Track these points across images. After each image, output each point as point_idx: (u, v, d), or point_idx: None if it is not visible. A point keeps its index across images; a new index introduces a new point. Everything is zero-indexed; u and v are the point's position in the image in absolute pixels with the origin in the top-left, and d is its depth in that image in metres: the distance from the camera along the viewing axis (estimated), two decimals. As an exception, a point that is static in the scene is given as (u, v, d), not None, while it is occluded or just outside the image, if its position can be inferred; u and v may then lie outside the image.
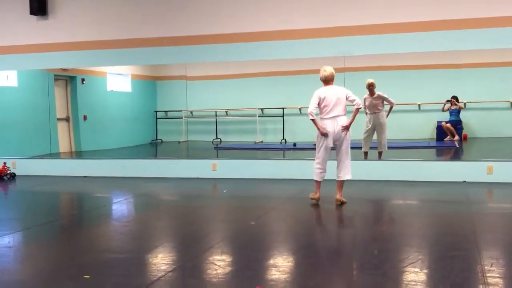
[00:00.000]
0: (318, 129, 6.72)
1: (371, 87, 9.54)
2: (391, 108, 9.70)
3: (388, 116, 9.72)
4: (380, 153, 9.68)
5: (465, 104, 12.92)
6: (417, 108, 13.16)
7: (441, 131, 12.94)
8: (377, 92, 9.55)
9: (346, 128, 6.70)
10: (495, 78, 12.60)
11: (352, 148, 6.90)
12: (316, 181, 6.89)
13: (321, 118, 6.76)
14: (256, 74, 13.84)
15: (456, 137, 12.73)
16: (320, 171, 6.86)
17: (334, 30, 8.76)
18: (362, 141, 9.74)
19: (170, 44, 9.57)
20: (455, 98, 12.80)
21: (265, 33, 9.09)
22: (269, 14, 9.08)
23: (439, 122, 13.01)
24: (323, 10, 8.83)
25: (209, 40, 9.35)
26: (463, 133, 12.98)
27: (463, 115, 12.90)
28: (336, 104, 6.68)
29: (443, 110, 12.91)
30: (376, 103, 9.57)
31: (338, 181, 6.82)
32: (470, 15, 8.22)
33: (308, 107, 6.74)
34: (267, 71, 13.54)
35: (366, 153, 9.72)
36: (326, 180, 6.94)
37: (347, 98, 6.72)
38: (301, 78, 12.96)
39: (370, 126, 9.66)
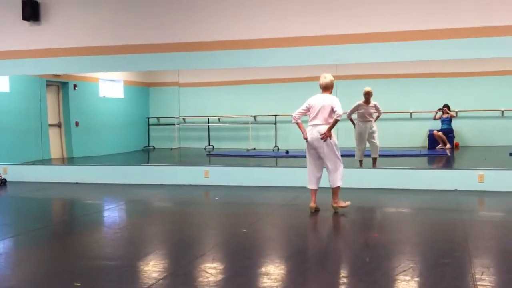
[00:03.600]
0: (302, 133, 6.80)
1: (367, 95, 9.56)
2: (378, 117, 9.78)
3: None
4: (374, 159, 9.71)
5: (456, 112, 12.99)
6: (409, 116, 13.21)
7: (432, 139, 13.00)
8: (373, 101, 9.59)
9: (324, 136, 6.64)
10: (487, 87, 12.68)
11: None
12: (310, 189, 6.90)
13: (308, 125, 6.83)
14: (249, 81, 13.86)
15: (448, 146, 12.79)
16: (309, 178, 6.87)
17: (327, 38, 8.80)
18: (356, 150, 9.76)
19: (163, 51, 9.57)
20: (446, 106, 12.88)
21: (258, 41, 9.12)
22: (263, 21, 9.10)
23: (430, 131, 13.07)
24: (316, 18, 8.87)
25: (202, 47, 9.36)
26: (455, 141, 13.04)
27: (454, 124, 12.97)
28: (319, 113, 6.69)
29: (434, 118, 12.97)
30: (370, 112, 9.62)
31: (332, 188, 6.84)
32: (462, 25, 8.28)
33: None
34: (260, 78, 13.57)
35: (361, 162, 9.74)
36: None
37: (332, 108, 6.68)
38: (294, 85, 12.99)
39: (362, 134, 9.68)
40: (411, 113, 13.18)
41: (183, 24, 9.45)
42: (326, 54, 8.82)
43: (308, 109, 6.80)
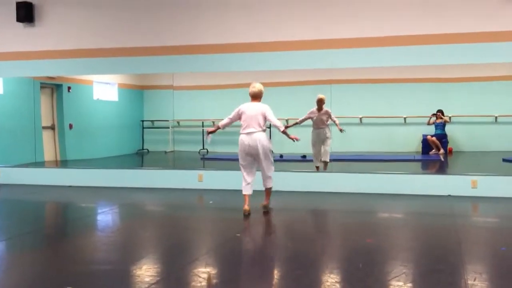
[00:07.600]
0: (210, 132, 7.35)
1: (320, 102, 9.78)
2: (337, 124, 9.95)
3: (341, 130, 9.98)
4: (325, 163, 9.88)
5: (450, 118, 13.02)
6: (403, 121, 13.24)
7: (426, 144, 13.02)
8: (325, 108, 9.78)
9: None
10: (481, 92, 12.72)
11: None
12: (245, 195, 7.15)
13: (240, 133, 7.06)
14: (243, 85, 13.72)
15: (441, 151, 12.82)
16: (244, 183, 7.17)
17: (323, 42, 8.82)
18: (313, 156, 10.03)
19: (157, 54, 9.56)
20: (440, 112, 12.91)
21: (253, 44, 9.13)
22: (258, 25, 9.11)
23: (424, 136, 13.10)
24: (312, 22, 8.88)
25: (197, 50, 9.37)
26: (448, 146, 13.07)
27: (448, 129, 13.01)
28: (252, 120, 6.94)
29: (428, 123, 13.00)
30: (322, 119, 9.83)
31: (265, 189, 7.22)
32: (455, 30, 8.33)
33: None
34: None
35: (318, 168, 9.95)
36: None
37: (266, 117, 6.97)
38: (288, 89, 13.00)
39: (316, 140, 9.91)
40: (405, 118, 13.20)
41: (178, 27, 9.45)
42: (321, 58, 8.83)
43: (240, 117, 7.04)
